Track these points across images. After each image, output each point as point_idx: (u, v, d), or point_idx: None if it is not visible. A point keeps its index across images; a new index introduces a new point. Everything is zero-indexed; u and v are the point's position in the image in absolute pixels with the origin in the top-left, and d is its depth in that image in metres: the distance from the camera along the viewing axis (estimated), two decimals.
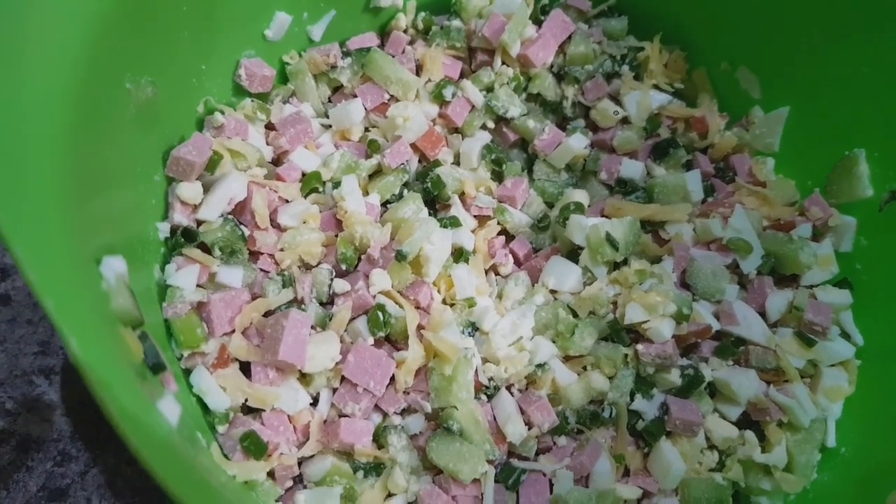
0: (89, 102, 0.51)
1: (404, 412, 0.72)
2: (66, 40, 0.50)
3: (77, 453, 0.79)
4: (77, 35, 0.50)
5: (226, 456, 0.63)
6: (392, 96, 0.85)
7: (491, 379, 0.73)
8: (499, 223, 0.83)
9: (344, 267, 0.74)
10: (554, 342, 0.76)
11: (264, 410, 0.66)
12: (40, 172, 0.44)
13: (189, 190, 0.67)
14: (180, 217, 0.68)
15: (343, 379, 0.69)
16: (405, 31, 0.90)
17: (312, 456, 0.68)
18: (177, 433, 0.45)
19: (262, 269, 0.72)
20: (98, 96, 0.53)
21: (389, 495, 0.68)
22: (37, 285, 0.38)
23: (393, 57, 0.86)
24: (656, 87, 0.92)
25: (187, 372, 0.65)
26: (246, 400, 0.66)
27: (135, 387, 0.40)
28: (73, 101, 0.49)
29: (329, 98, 0.87)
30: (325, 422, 0.69)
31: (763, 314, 0.78)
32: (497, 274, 0.83)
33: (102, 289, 0.46)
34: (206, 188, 0.70)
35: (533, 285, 0.80)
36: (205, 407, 0.65)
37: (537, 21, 0.89)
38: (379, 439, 0.69)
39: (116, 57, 0.56)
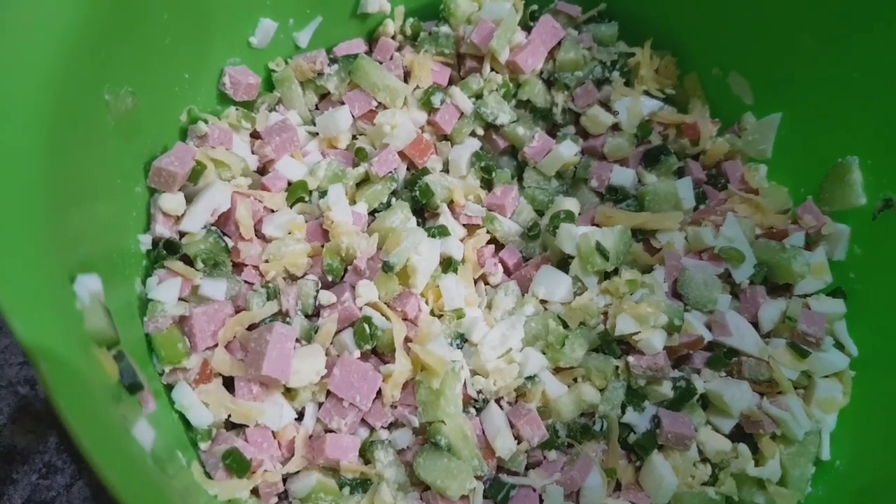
0: (65, 115, 0.50)
1: (391, 427, 0.71)
2: (41, 52, 0.49)
3: (63, 465, 0.78)
4: (52, 46, 0.49)
5: (208, 474, 0.61)
6: (380, 103, 0.84)
7: (480, 392, 0.72)
8: (488, 232, 0.82)
9: (330, 278, 0.73)
10: (544, 353, 0.75)
11: (248, 426, 0.65)
12: (11, 187, 0.43)
13: (171, 201, 0.66)
14: (162, 229, 0.67)
15: (329, 393, 0.67)
16: (393, 38, 0.89)
17: (298, 472, 0.67)
18: (150, 458, 0.44)
19: (246, 282, 0.71)
20: (75, 108, 0.52)
21: None
22: (4, 306, 0.37)
23: (381, 63, 0.85)
24: (647, 93, 0.91)
25: (169, 388, 0.64)
26: (229, 416, 0.64)
27: (107, 412, 0.39)
28: (48, 115, 0.48)
29: (316, 105, 0.86)
30: (310, 437, 0.68)
31: (756, 324, 0.77)
32: (486, 284, 0.81)
33: (76, 308, 0.45)
34: (190, 199, 0.69)
35: (523, 295, 0.79)
36: (187, 423, 0.63)
37: (527, 27, 0.88)
38: (366, 454, 0.68)
39: (94, 68, 0.54)
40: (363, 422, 0.69)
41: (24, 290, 0.40)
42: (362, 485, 0.67)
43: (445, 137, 0.87)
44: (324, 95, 0.86)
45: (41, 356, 0.37)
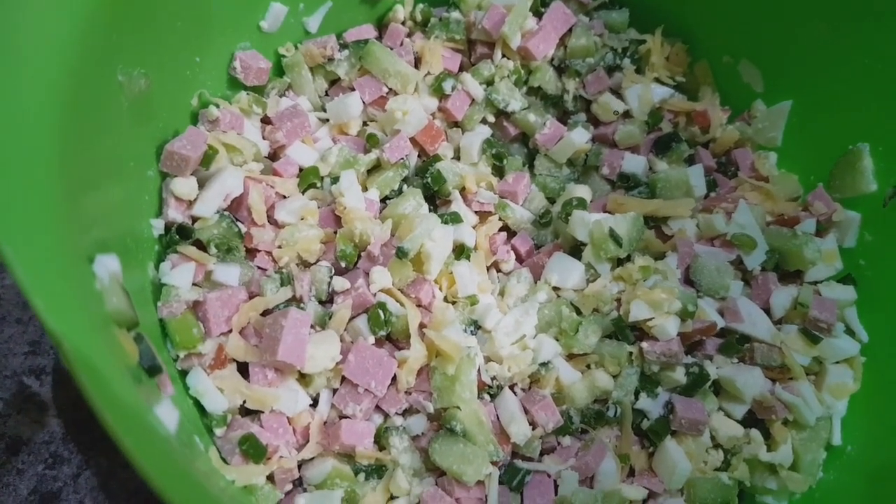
0: (80, 95, 0.49)
1: (406, 413, 0.70)
2: (57, 32, 0.48)
3: (69, 455, 0.78)
4: (67, 26, 0.48)
5: (224, 460, 0.61)
6: (391, 90, 0.83)
7: (494, 378, 0.72)
8: (500, 219, 0.82)
9: (343, 264, 0.72)
10: (557, 340, 0.74)
11: (263, 412, 0.64)
12: (29, 168, 0.42)
13: (184, 185, 0.65)
14: (175, 213, 0.66)
15: (343, 379, 0.67)
16: (403, 23, 0.89)
17: (313, 458, 0.66)
18: (175, 439, 0.43)
19: (259, 267, 0.70)
20: (89, 89, 0.51)
21: (391, 498, 0.67)
22: (26, 285, 0.36)
23: (391, 49, 0.84)
24: (658, 80, 0.90)
25: (184, 373, 0.63)
26: (244, 402, 0.64)
27: (131, 392, 0.39)
28: (64, 94, 0.47)
29: (326, 91, 0.86)
30: (325, 423, 0.68)
31: (768, 311, 0.77)
32: (499, 271, 0.81)
33: (96, 288, 0.44)
34: (201, 184, 0.68)
35: (535, 282, 0.79)
36: (202, 409, 0.63)
37: (538, 13, 0.87)
38: (380, 441, 0.68)
39: (108, 49, 0.54)
40: (378, 408, 0.69)
41: (45, 270, 0.39)
42: (377, 471, 0.67)
43: (456, 124, 0.86)
44: (334, 81, 0.85)
45: (64, 336, 0.36)
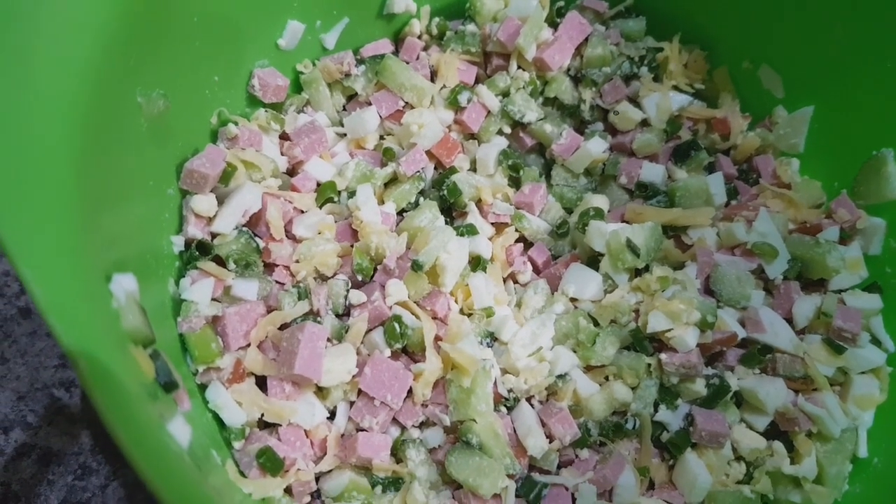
0: (99, 117, 0.51)
1: (423, 425, 0.71)
2: (75, 55, 0.49)
3: (98, 466, 0.79)
4: (85, 50, 0.50)
5: (242, 473, 0.62)
6: (407, 103, 0.84)
7: (510, 391, 0.72)
8: (517, 230, 0.82)
9: (360, 278, 0.73)
10: (575, 352, 0.74)
11: (281, 425, 0.65)
12: (47, 189, 0.43)
13: (203, 202, 0.67)
14: (195, 230, 0.67)
15: (360, 392, 0.68)
16: (419, 37, 0.89)
17: (330, 471, 0.67)
18: (188, 455, 0.44)
19: (277, 282, 0.71)
20: (108, 111, 0.53)
21: None
22: (42, 305, 0.38)
23: (407, 63, 0.85)
24: (676, 88, 0.90)
25: (203, 387, 0.64)
26: (262, 415, 0.65)
27: (146, 409, 0.40)
28: (82, 117, 0.48)
29: (344, 106, 0.87)
30: (342, 436, 0.68)
31: (790, 321, 0.76)
32: (516, 282, 0.81)
33: (112, 307, 0.45)
34: (220, 200, 0.69)
35: (552, 293, 0.78)
36: (221, 423, 0.64)
37: (553, 24, 0.88)
38: (397, 453, 0.68)
39: (126, 71, 0.55)
40: (394, 421, 0.69)
41: (61, 290, 0.40)
42: (394, 483, 0.67)
43: (473, 136, 0.87)
44: (351, 96, 0.86)
45: (79, 355, 0.37)
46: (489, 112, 0.86)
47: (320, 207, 0.77)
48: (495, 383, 0.71)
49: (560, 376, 0.72)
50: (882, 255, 0.79)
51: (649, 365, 0.73)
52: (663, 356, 0.72)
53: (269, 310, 0.69)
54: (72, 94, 0.48)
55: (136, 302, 0.49)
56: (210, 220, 0.68)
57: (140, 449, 0.35)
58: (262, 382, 0.67)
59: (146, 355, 0.48)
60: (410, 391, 0.69)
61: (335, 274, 0.73)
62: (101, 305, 0.44)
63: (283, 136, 0.80)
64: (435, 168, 0.84)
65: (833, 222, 0.80)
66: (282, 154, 0.78)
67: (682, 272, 0.76)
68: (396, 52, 0.88)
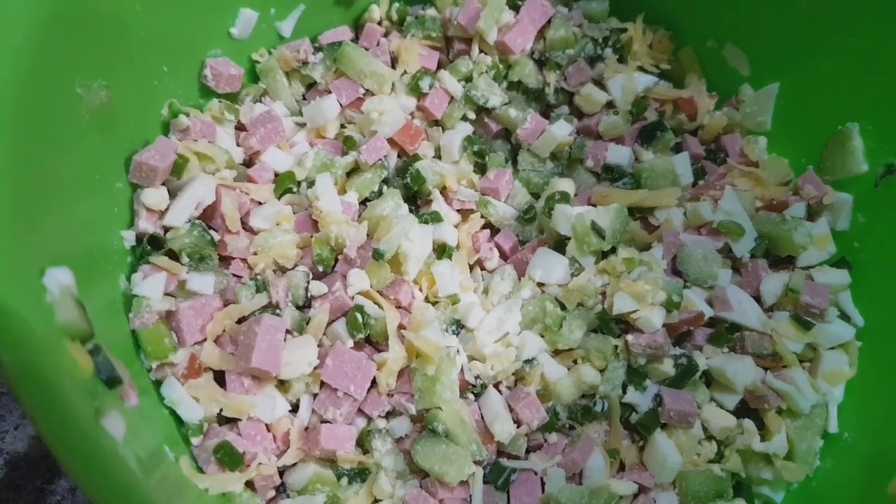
0: (34, 110, 0.50)
1: (389, 415, 0.70)
2: (6, 43, 0.48)
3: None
4: (16, 39, 0.48)
5: (200, 469, 0.61)
6: (367, 91, 0.82)
7: (477, 377, 0.71)
8: (482, 216, 0.81)
9: (321, 268, 0.72)
10: (542, 336, 0.74)
11: (241, 420, 0.64)
12: None
13: (154, 196, 0.66)
14: (146, 224, 0.66)
15: (322, 384, 0.67)
16: (379, 23, 0.88)
17: (294, 464, 0.66)
18: (123, 449, 0.43)
19: (234, 275, 0.70)
20: (44, 103, 0.51)
21: (375, 501, 0.67)
22: None
23: (367, 50, 0.84)
24: (641, 68, 0.89)
25: (158, 384, 0.63)
26: (221, 410, 0.64)
27: (74, 405, 0.38)
28: (13, 110, 0.47)
29: (303, 95, 0.85)
30: (306, 429, 0.67)
31: (758, 298, 0.76)
32: (482, 269, 0.80)
33: (46, 301, 0.44)
34: (173, 193, 0.68)
35: (520, 279, 0.78)
36: (179, 419, 0.63)
37: (515, 6, 0.86)
38: (363, 444, 0.68)
39: (62, 61, 0.54)
40: (360, 412, 0.69)
41: None
42: (360, 474, 0.67)
43: (437, 123, 0.85)
44: (310, 85, 0.85)
45: (5, 348, 0.36)
46: (452, 98, 0.84)
47: (279, 198, 0.75)
48: (462, 370, 0.70)
49: (527, 361, 0.72)
50: (850, 231, 0.78)
51: (616, 347, 0.73)
52: (630, 337, 0.72)
53: (226, 303, 0.68)
54: (3, 85, 0.47)
55: (73, 296, 0.48)
56: (162, 213, 0.67)
57: (65, 443, 0.34)
58: (220, 378, 0.66)
59: (84, 350, 0.47)
60: (375, 381, 0.68)
61: (295, 265, 0.72)
62: (33, 300, 0.43)
63: (240, 127, 0.79)
64: (399, 156, 0.82)
65: (800, 199, 0.80)
66: (238, 145, 0.77)
67: (648, 253, 0.76)
68: (356, 39, 0.87)
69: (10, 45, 0.48)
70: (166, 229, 0.68)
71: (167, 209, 0.67)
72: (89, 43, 0.57)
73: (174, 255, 0.66)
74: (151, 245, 0.65)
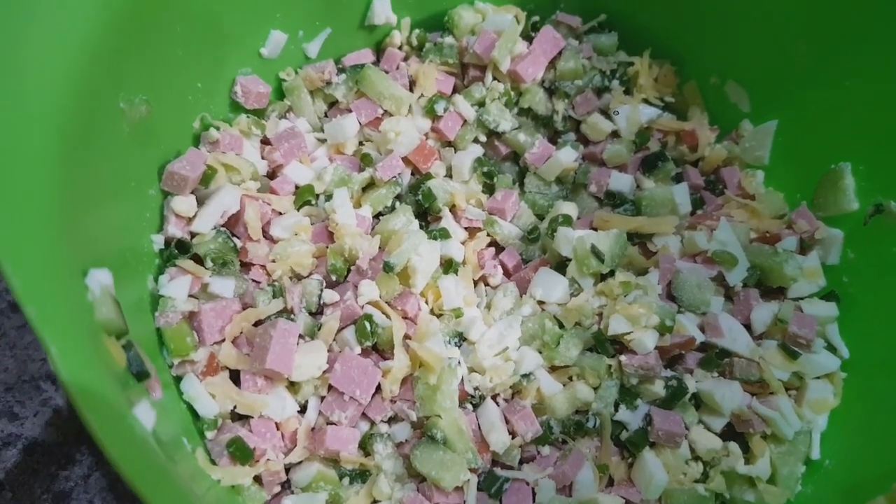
0: (82, 122, 0.54)
1: (391, 420, 0.73)
2: (60, 61, 0.52)
3: (81, 457, 0.81)
4: (70, 56, 0.53)
5: (213, 461, 0.65)
6: (385, 111, 0.87)
7: (476, 388, 0.75)
8: (488, 235, 0.85)
9: (334, 278, 0.76)
10: (540, 352, 0.77)
11: (252, 417, 0.68)
12: (30, 188, 0.46)
13: (183, 203, 0.70)
14: (174, 229, 0.70)
15: (330, 387, 0.70)
16: (399, 48, 0.93)
17: (300, 462, 0.70)
18: (152, 438, 0.47)
19: (253, 280, 0.74)
20: (91, 116, 0.56)
21: (374, 502, 0.70)
22: (20, 293, 0.40)
23: (387, 73, 0.88)
24: (646, 101, 0.93)
25: (178, 379, 0.67)
26: (235, 407, 0.68)
27: (112, 393, 0.43)
28: (65, 122, 0.51)
29: (325, 113, 0.90)
30: (312, 429, 0.71)
31: (749, 326, 0.79)
32: (486, 285, 0.84)
33: (87, 300, 0.48)
34: (201, 201, 0.73)
35: (521, 296, 0.81)
36: (195, 414, 0.67)
37: (528, 38, 0.91)
38: (365, 447, 0.71)
39: (110, 78, 0.58)
40: (364, 416, 0.72)
41: (38, 282, 0.43)
42: (361, 475, 0.70)
43: (449, 144, 0.90)
44: (332, 103, 0.89)
45: (51, 341, 0.40)
46: (465, 121, 0.89)
47: (298, 210, 0.80)
48: (462, 381, 0.73)
49: (525, 375, 0.75)
50: (840, 265, 0.81)
51: (610, 366, 0.76)
52: (623, 358, 0.75)
53: (245, 307, 0.72)
54: (56, 99, 0.51)
55: (111, 296, 0.52)
56: (190, 220, 0.71)
57: (105, 428, 0.38)
58: (235, 376, 0.70)
59: (118, 345, 0.51)
60: (379, 388, 0.71)
61: (310, 274, 0.76)
62: (77, 298, 0.47)
63: (265, 141, 0.83)
64: (412, 174, 0.87)
65: (792, 232, 0.83)
66: (262, 158, 0.81)
67: (645, 278, 0.79)
68: (377, 62, 0.91)
69: (66, 62, 0.52)
70: (193, 235, 0.72)
71: (195, 216, 0.71)
72: (134, 62, 0.62)
73: (199, 260, 0.71)
74: (178, 249, 0.70)
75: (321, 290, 0.74)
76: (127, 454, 0.38)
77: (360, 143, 0.88)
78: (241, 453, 0.64)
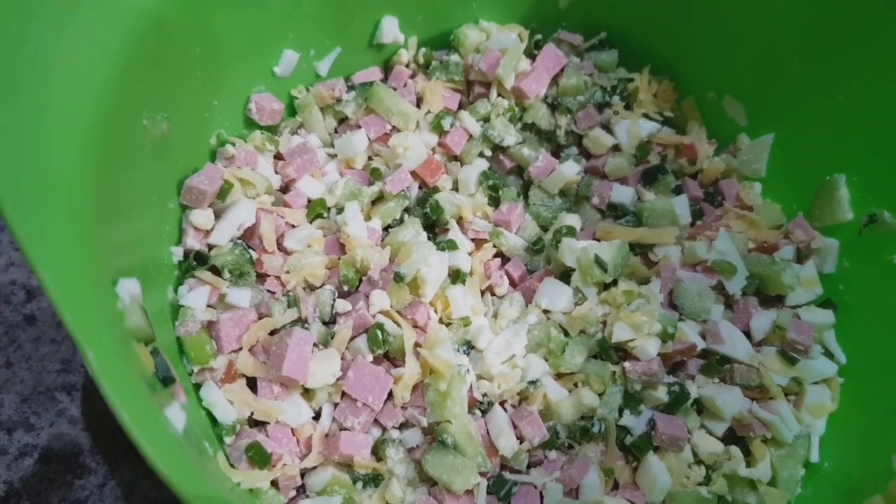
0: (110, 138, 0.57)
1: (402, 426, 0.75)
2: (91, 81, 0.55)
3: (96, 466, 0.83)
4: (100, 77, 0.56)
5: (231, 465, 0.67)
6: (394, 127, 0.89)
7: (485, 395, 0.76)
8: (495, 246, 0.87)
9: (346, 288, 0.78)
10: (546, 360, 0.79)
11: (269, 423, 0.70)
12: (64, 203, 0.49)
13: (201, 217, 0.72)
14: (193, 242, 0.73)
15: (343, 394, 0.72)
16: (407, 66, 0.95)
17: (315, 467, 0.71)
18: (183, 439, 0.49)
19: (268, 290, 0.76)
20: (118, 133, 0.58)
21: None
22: (59, 303, 0.43)
23: (395, 90, 0.91)
24: (646, 115, 0.95)
25: (197, 386, 0.69)
26: (252, 413, 0.70)
27: (145, 395, 0.45)
28: (96, 138, 0.54)
29: (335, 129, 0.92)
30: (326, 435, 0.73)
31: (748, 333, 0.81)
32: (493, 294, 0.86)
33: (118, 308, 0.51)
34: (218, 215, 0.75)
35: (527, 305, 0.83)
36: (213, 419, 0.69)
37: (531, 55, 0.94)
38: (378, 452, 0.73)
39: (135, 97, 0.61)
40: (376, 422, 0.74)
41: (75, 291, 0.46)
42: (374, 480, 0.72)
43: (455, 158, 0.92)
44: (342, 120, 0.92)
45: (88, 346, 0.42)
46: (471, 136, 0.91)
47: (310, 222, 0.82)
48: (471, 388, 0.75)
49: (531, 382, 0.77)
50: (836, 274, 0.83)
51: (614, 373, 0.78)
52: (627, 364, 0.77)
53: (261, 316, 0.74)
54: (88, 117, 0.54)
55: (139, 304, 0.55)
56: (207, 232, 0.74)
57: (141, 429, 0.40)
58: (252, 383, 0.72)
59: (147, 351, 0.53)
60: (391, 394, 0.73)
61: (323, 284, 0.79)
62: (109, 306, 0.50)
63: (278, 156, 0.86)
64: (420, 187, 0.89)
65: (789, 242, 0.85)
66: (276, 172, 0.84)
67: (647, 287, 0.81)
68: (385, 80, 0.94)
69: (97, 83, 0.55)
70: (210, 247, 0.74)
71: (212, 229, 0.74)
72: (157, 81, 0.64)
73: (216, 271, 0.73)
74: (197, 261, 0.72)
75: (334, 300, 0.77)
76: (163, 452, 0.40)
77: (370, 158, 0.90)
78: (260, 458, 0.66)
